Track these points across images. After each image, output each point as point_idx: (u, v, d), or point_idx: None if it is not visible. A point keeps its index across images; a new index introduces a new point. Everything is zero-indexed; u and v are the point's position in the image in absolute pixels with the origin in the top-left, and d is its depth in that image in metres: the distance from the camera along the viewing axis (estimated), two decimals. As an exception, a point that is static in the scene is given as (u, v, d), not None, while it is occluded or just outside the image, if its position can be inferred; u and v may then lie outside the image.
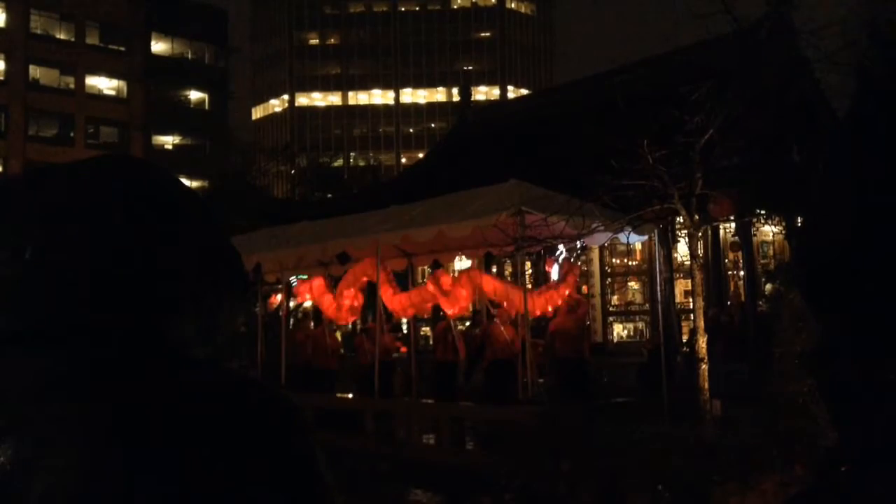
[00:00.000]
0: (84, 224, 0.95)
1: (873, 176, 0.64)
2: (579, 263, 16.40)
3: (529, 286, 15.08)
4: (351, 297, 16.27)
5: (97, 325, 0.93)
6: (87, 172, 1.01)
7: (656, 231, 13.42)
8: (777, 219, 17.83)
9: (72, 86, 53.55)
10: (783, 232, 18.84)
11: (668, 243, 14.42)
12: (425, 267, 21.28)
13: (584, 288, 22.32)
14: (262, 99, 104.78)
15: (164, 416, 0.89)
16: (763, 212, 16.81)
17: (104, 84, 55.16)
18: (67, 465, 0.85)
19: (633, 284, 22.04)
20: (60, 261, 0.93)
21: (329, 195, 43.80)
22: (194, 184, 49.68)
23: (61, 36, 53.52)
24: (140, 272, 0.95)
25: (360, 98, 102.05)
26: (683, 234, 12.96)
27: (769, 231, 19.94)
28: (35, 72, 52.49)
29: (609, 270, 22.08)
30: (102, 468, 0.85)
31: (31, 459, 0.85)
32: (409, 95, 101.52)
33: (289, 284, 18.62)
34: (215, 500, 0.87)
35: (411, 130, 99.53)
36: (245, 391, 0.96)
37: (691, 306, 13.08)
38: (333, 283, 16.97)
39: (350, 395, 15.88)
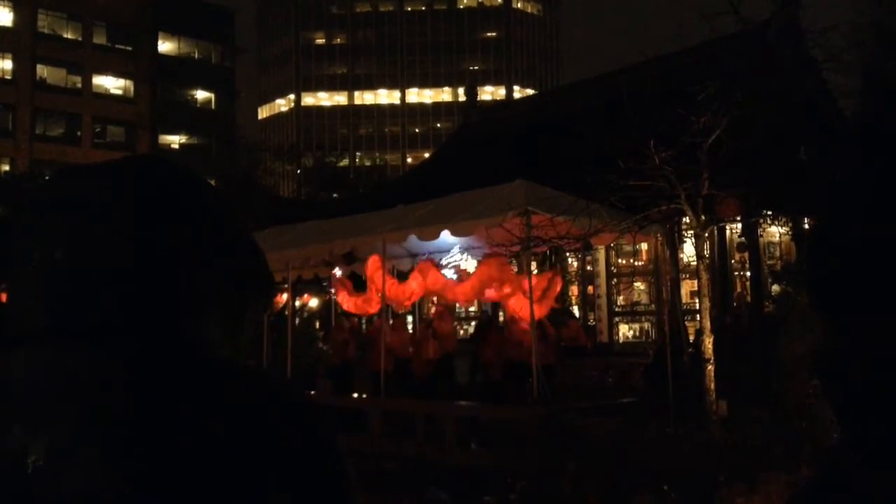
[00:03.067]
0: (112, 225, 0.95)
1: (882, 178, 0.64)
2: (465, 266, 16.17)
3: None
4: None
5: (124, 325, 0.93)
6: (115, 174, 1.01)
7: (662, 231, 13.40)
8: (784, 219, 17.78)
9: (79, 85, 53.70)
10: (790, 233, 18.79)
11: (675, 244, 14.38)
12: (431, 267, 21.25)
13: (591, 288, 22.31)
14: (269, 98, 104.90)
15: (189, 415, 0.89)
16: (770, 212, 16.76)
17: (111, 83, 55.29)
18: (94, 465, 0.85)
19: (639, 285, 22.01)
20: (88, 261, 0.94)
21: (335, 195, 43.87)
22: (200, 183, 49.63)
23: (68, 35, 53.66)
24: (167, 273, 0.96)
25: (365, 98, 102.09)
26: (690, 235, 12.92)
27: (776, 232, 19.88)
28: (42, 71, 52.63)
29: (615, 271, 22.06)
30: (129, 468, 0.85)
31: (59, 459, 0.86)
32: (415, 95, 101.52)
33: (295, 284, 18.58)
34: (242, 499, 0.88)
35: (417, 130, 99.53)
36: (270, 391, 0.97)
37: (697, 307, 13.04)
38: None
39: (355, 395, 15.87)
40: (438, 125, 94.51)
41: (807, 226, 15.10)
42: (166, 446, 0.87)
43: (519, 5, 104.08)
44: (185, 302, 0.97)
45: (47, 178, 1.01)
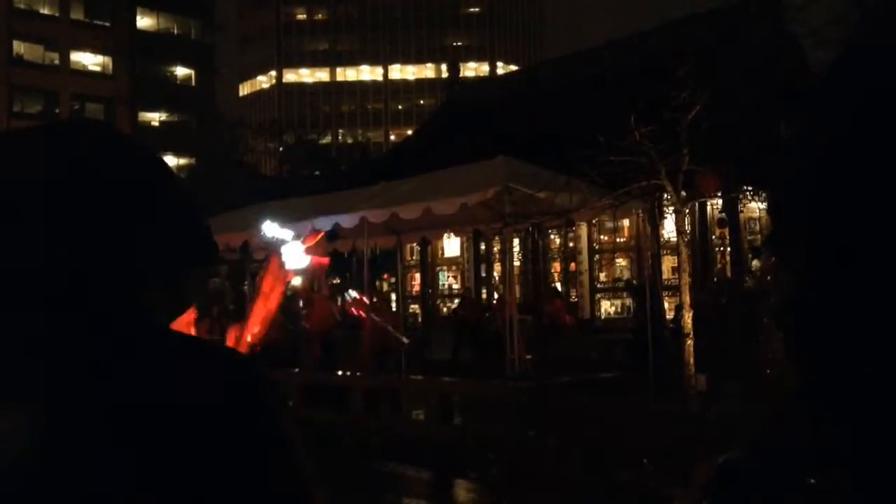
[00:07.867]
0: (40, 193, 0.93)
1: (841, 126, 0.64)
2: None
3: (517, 263, 14.92)
4: None
5: (63, 293, 0.91)
6: (40, 140, 0.98)
7: (643, 207, 13.45)
8: (763, 195, 17.87)
9: (56, 62, 52.94)
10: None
11: (655, 220, 14.45)
12: (413, 244, 21.29)
13: (573, 265, 22.40)
14: (250, 75, 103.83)
15: (135, 389, 0.87)
16: (750, 188, 16.85)
17: (89, 60, 54.56)
18: (34, 433, 0.84)
19: (621, 261, 22.11)
20: (18, 232, 0.92)
21: (317, 172, 43.61)
22: (181, 161, 49.33)
23: (45, 11, 52.82)
24: (102, 241, 0.94)
25: (348, 74, 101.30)
26: (670, 211, 12.99)
27: (756, 207, 19.99)
28: (19, 47, 51.81)
29: (597, 247, 22.14)
30: (68, 445, 0.84)
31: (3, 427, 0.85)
32: (398, 71, 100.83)
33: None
34: (189, 478, 0.85)
35: (400, 107, 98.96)
36: (224, 364, 0.94)
37: (678, 282, 13.12)
38: None
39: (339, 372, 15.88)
40: (421, 102, 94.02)
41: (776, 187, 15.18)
42: (110, 422, 0.84)
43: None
44: (122, 269, 0.94)
45: None
